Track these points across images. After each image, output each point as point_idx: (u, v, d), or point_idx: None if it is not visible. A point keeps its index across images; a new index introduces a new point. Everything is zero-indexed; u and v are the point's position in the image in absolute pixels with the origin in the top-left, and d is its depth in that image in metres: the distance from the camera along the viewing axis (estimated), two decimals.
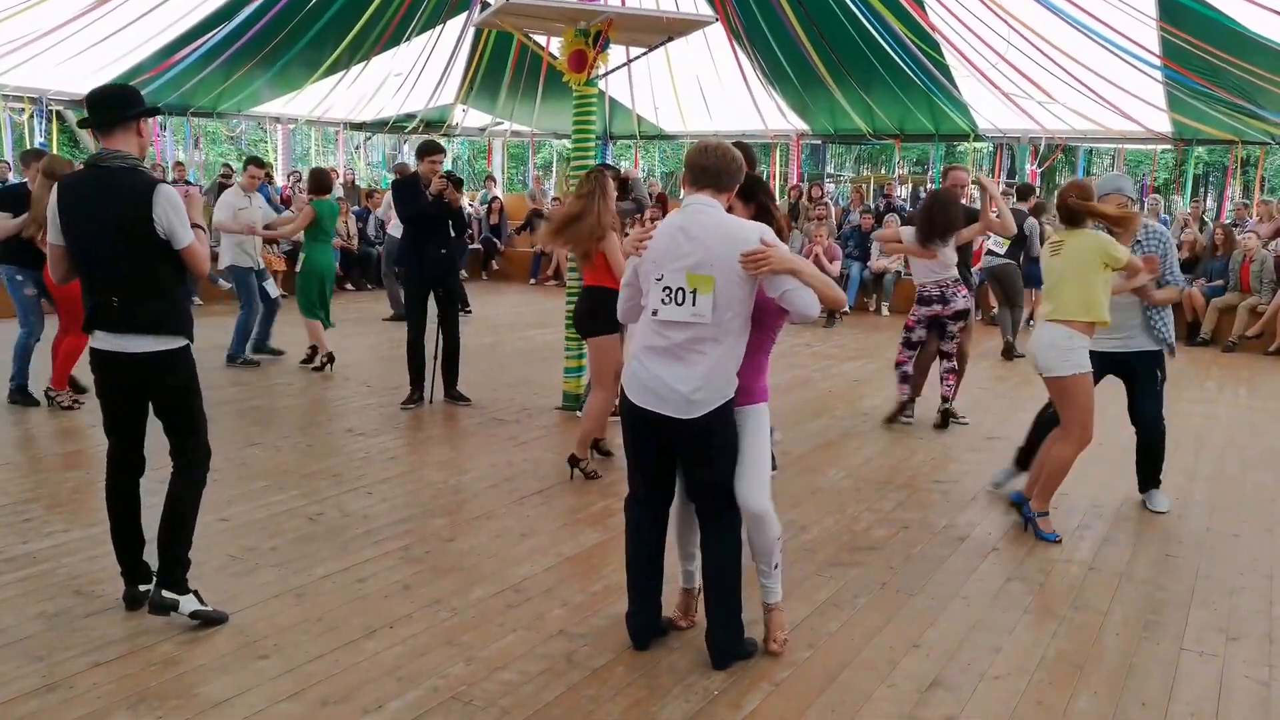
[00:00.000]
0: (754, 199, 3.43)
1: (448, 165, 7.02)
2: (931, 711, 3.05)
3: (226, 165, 15.67)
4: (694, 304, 3.06)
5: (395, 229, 11.04)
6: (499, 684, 3.13)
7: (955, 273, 6.53)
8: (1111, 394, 5.16)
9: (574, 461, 5.29)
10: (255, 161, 8.48)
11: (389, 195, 11.79)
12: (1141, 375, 4.93)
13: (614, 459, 5.63)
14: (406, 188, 6.82)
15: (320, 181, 8.24)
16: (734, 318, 3.09)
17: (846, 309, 9.42)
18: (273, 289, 8.40)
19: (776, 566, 3.37)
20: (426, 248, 6.75)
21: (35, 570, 3.91)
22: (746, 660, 3.32)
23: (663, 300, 3.12)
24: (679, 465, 3.32)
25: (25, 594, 3.69)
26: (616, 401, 4.87)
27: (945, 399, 6.68)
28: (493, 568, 4.07)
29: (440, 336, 6.93)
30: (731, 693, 3.12)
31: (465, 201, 12.18)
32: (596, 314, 5.19)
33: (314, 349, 8.18)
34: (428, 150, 6.83)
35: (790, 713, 3.02)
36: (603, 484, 5.24)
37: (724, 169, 3.15)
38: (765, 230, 3.13)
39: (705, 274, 3.05)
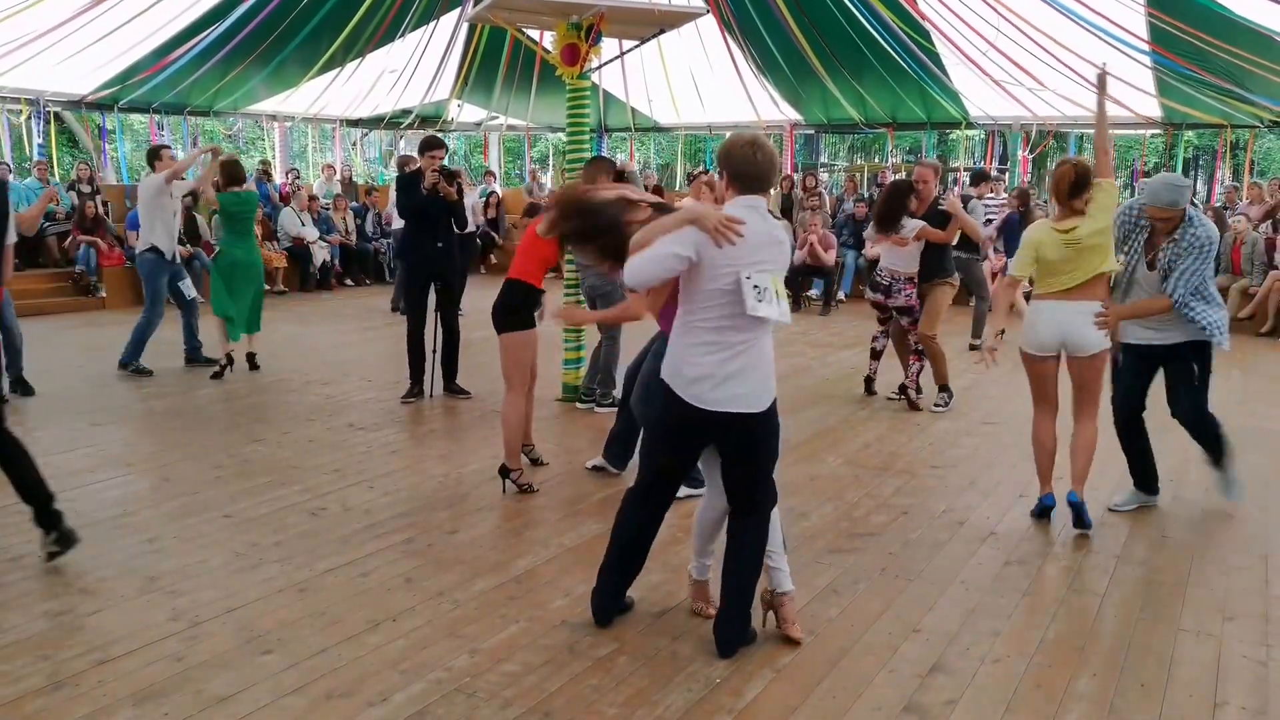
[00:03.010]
0: None
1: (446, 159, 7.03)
2: (932, 696, 3.08)
3: None
4: (779, 304, 3.12)
5: (399, 223, 11.12)
6: (502, 675, 3.15)
7: (911, 269, 6.70)
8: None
9: (505, 472, 4.93)
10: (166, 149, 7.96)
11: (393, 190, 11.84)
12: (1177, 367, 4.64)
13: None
14: (407, 182, 6.89)
15: (232, 174, 7.65)
16: None
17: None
18: (188, 289, 7.98)
19: (785, 544, 3.42)
20: (424, 241, 6.81)
21: (40, 569, 3.92)
22: (748, 647, 3.36)
23: (757, 298, 3.07)
24: (725, 464, 3.32)
25: (30, 592, 3.71)
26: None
27: (905, 379, 7.01)
28: (495, 559, 4.09)
29: (439, 330, 6.96)
30: (733, 680, 3.15)
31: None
32: (512, 309, 4.86)
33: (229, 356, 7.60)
34: (428, 145, 6.86)
35: (792, 699, 3.05)
36: (603, 475, 5.26)
37: (761, 167, 3.15)
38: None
39: (780, 279, 3.18)
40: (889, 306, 6.87)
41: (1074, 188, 4.39)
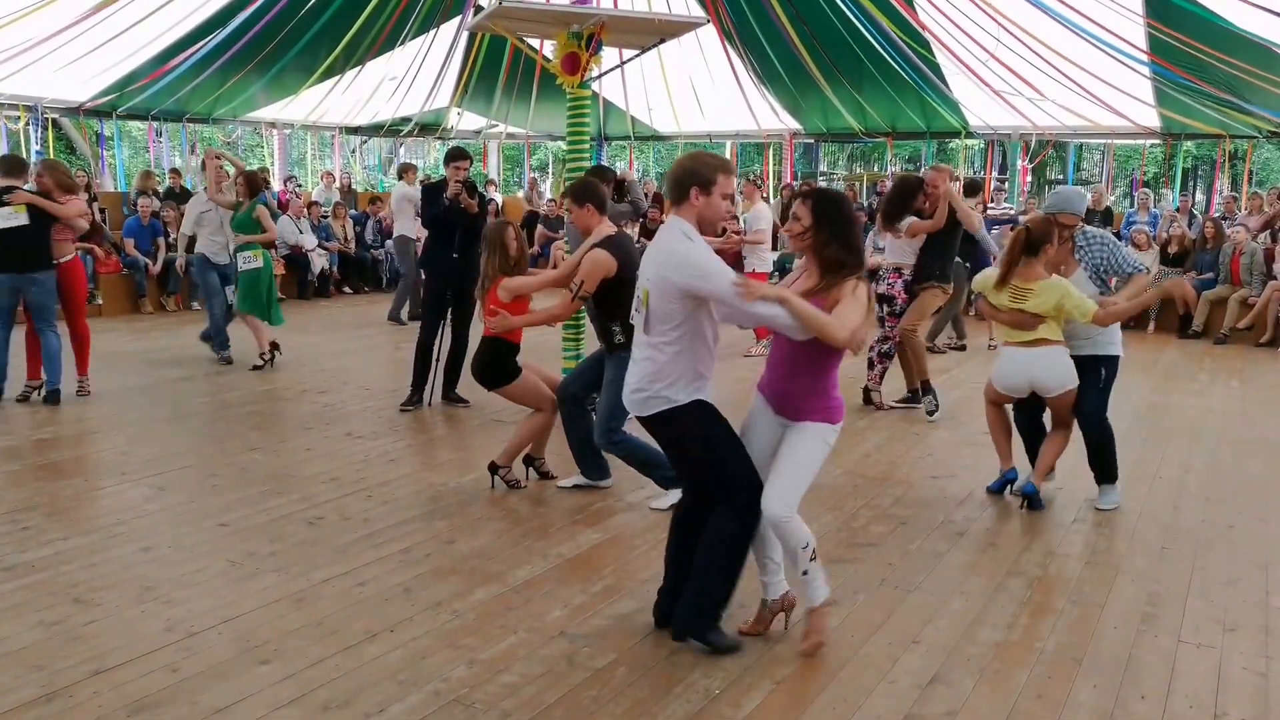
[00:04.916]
0: (830, 238, 3.31)
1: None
2: (932, 708, 3.07)
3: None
4: (640, 313, 3.38)
5: (402, 228, 11.14)
6: (500, 686, 3.14)
7: (905, 261, 6.77)
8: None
9: (494, 469, 5.12)
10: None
11: (393, 196, 11.87)
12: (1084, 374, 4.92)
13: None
14: (431, 192, 6.94)
15: (256, 183, 8.40)
16: (669, 330, 3.28)
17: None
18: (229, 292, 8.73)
19: (805, 574, 3.37)
20: (443, 251, 6.83)
21: (34, 579, 3.91)
22: (712, 651, 3.36)
23: (635, 308, 3.45)
24: None
25: (24, 603, 3.68)
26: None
27: (868, 380, 7.14)
28: (493, 570, 4.08)
29: (448, 339, 6.95)
30: (732, 692, 3.13)
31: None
32: (496, 365, 5.09)
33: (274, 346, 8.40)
34: (452, 156, 6.89)
35: (791, 710, 3.04)
36: (594, 489, 5.22)
37: (667, 185, 3.40)
38: (693, 253, 3.21)
39: (645, 289, 3.34)
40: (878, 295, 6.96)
41: (1028, 248, 4.70)
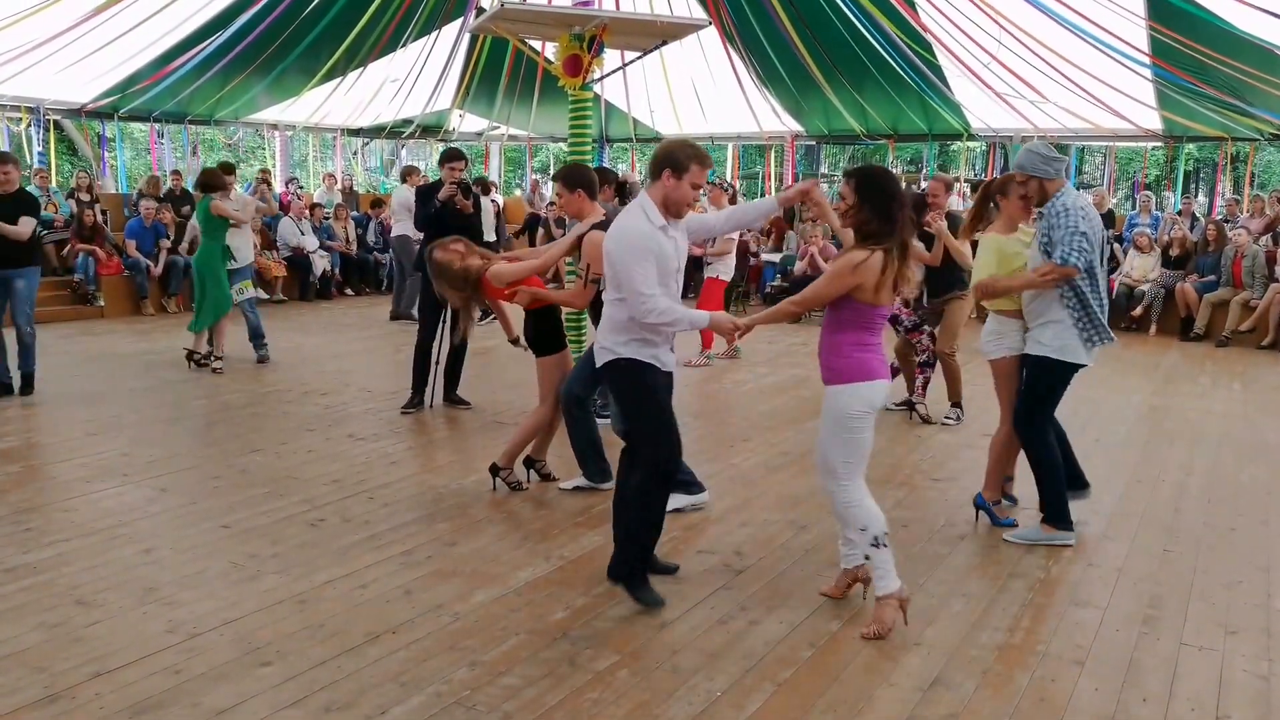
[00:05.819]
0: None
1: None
2: (933, 710, 3.06)
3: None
4: None
5: (403, 229, 11.10)
6: (502, 688, 3.14)
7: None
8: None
9: (495, 470, 5.11)
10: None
11: (395, 198, 11.86)
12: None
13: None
14: (425, 193, 6.94)
15: (210, 181, 8.20)
16: (619, 291, 3.58)
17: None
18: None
19: (866, 559, 3.58)
20: None
21: (36, 580, 3.91)
22: (627, 590, 3.72)
23: None
24: None
25: (26, 604, 3.69)
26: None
27: (910, 394, 7.02)
28: (494, 571, 4.08)
29: (449, 340, 6.95)
30: (733, 693, 3.13)
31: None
32: (539, 335, 5.03)
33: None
34: (447, 157, 6.89)
35: (792, 712, 3.03)
36: (596, 491, 5.22)
37: (648, 162, 3.79)
38: (615, 235, 3.57)
39: None
40: (898, 315, 6.81)
41: (983, 198, 4.83)
